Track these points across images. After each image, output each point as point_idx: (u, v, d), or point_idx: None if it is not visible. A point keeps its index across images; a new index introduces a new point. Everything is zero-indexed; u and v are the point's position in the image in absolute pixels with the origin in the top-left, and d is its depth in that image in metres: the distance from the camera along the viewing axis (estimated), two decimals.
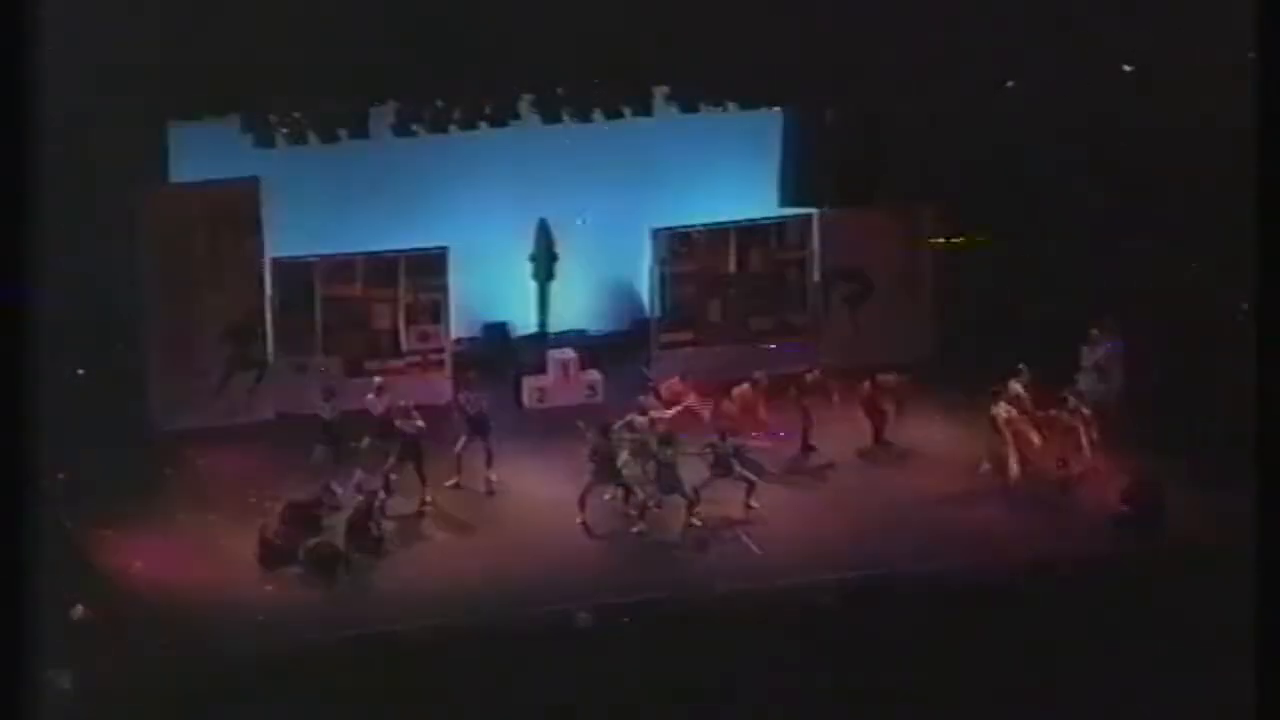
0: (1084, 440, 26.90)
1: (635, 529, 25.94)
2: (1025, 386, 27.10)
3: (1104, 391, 27.84)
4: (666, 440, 26.10)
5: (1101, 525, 25.89)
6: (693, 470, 26.18)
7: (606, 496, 26.23)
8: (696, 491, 25.93)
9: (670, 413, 27.02)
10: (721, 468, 26.10)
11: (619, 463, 26.19)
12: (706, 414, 27.38)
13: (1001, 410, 26.91)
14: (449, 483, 26.96)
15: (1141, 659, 22.74)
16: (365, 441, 26.73)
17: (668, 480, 25.94)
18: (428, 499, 26.62)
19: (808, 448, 27.87)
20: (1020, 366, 27.24)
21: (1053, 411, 26.97)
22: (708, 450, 26.23)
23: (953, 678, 22.51)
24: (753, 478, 26.22)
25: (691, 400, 27.70)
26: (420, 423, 26.58)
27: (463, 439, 27.07)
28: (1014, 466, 26.84)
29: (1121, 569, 24.72)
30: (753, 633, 23.10)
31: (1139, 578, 24.20)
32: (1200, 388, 27.11)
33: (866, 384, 28.02)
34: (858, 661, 22.56)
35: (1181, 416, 26.96)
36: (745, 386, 27.72)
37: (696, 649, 22.76)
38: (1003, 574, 24.53)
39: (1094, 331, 28.14)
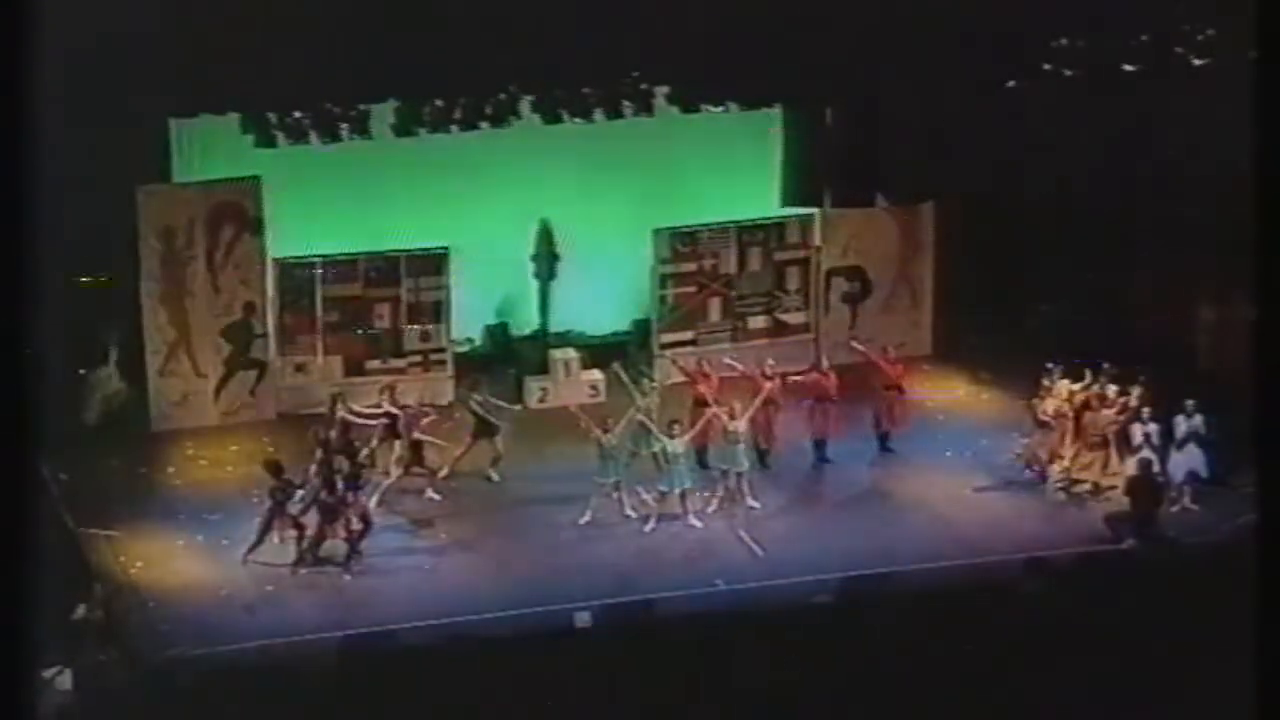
0: (1111, 438, 26.90)
1: (648, 528, 25.95)
2: (1069, 386, 26.98)
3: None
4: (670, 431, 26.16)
5: (1101, 525, 25.89)
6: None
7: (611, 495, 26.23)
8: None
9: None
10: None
11: (621, 458, 26.20)
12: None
13: (1049, 407, 26.88)
14: (445, 476, 27.02)
15: (1141, 659, 22.72)
16: (370, 446, 26.72)
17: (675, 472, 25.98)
18: (429, 496, 26.66)
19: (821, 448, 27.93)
20: (1049, 365, 27.17)
21: (1087, 413, 26.91)
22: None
23: (953, 678, 22.49)
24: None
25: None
26: (418, 419, 26.67)
27: (468, 440, 27.17)
28: (1057, 463, 26.84)
29: (1122, 569, 24.73)
30: (753, 633, 23.09)
31: (1139, 578, 24.21)
32: (1199, 386, 27.07)
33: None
34: (858, 661, 22.54)
35: (1182, 415, 26.90)
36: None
37: (697, 649, 22.73)
38: (1003, 574, 24.54)
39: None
